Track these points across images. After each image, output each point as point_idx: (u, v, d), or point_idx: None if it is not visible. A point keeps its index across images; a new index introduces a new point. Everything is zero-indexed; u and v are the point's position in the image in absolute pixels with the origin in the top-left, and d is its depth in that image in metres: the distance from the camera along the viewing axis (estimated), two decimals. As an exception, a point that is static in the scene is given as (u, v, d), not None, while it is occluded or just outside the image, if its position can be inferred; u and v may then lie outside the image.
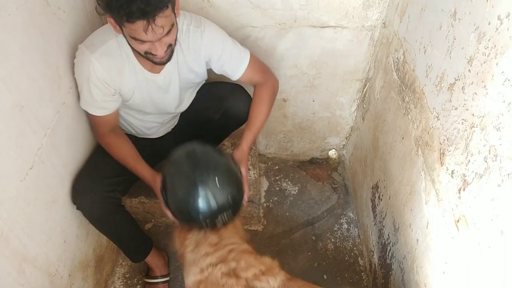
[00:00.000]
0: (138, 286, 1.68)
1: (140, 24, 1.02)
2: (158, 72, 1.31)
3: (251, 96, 1.47)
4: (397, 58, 1.40)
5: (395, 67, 1.42)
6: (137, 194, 1.73)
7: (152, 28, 1.04)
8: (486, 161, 0.84)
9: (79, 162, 1.37)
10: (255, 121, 1.42)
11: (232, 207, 1.22)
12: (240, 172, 1.32)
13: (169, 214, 1.28)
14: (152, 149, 1.54)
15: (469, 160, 0.90)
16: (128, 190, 1.50)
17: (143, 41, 1.09)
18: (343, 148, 2.19)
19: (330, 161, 2.22)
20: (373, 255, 1.64)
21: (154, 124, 1.54)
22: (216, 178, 1.18)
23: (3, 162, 0.96)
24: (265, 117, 1.43)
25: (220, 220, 1.20)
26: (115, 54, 1.22)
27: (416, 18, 1.25)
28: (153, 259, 1.62)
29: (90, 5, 1.42)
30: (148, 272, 1.67)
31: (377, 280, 1.58)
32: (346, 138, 2.12)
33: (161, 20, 1.04)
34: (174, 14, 1.12)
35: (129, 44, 1.16)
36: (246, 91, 1.53)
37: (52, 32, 1.17)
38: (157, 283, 1.64)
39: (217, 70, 1.40)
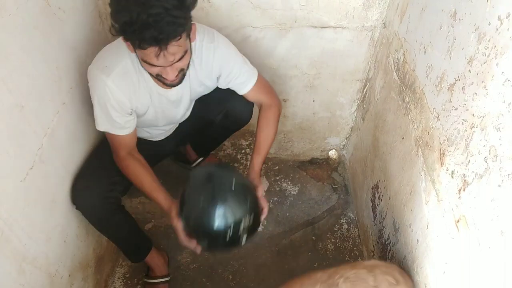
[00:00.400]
0: (138, 286, 1.68)
1: (152, 50, 1.01)
2: (170, 88, 1.32)
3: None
4: (397, 58, 1.40)
5: (395, 67, 1.42)
6: (137, 194, 1.74)
7: (163, 54, 1.03)
8: (486, 162, 0.84)
9: (79, 162, 1.37)
10: (264, 145, 1.44)
11: (252, 212, 1.23)
12: (256, 191, 1.35)
13: (191, 243, 1.28)
14: (152, 150, 1.55)
15: (469, 161, 0.90)
16: (128, 190, 1.50)
17: (154, 65, 1.08)
18: (343, 148, 2.19)
19: (330, 162, 2.22)
20: (373, 256, 1.64)
21: (160, 131, 1.55)
22: (233, 184, 1.20)
23: (3, 162, 0.96)
24: (272, 140, 1.46)
25: (243, 227, 1.21)
26: (130, 73, 1.21)
27: (416, 19, 1.25)
28: (153, 259, 1.62)
29: (91, 5, 1.42)
30: (148, 272, 1.67)
31: (377, 281, 1.58)
32: (346, 138, 2.12)
33: (174, 48, 1.03)
34: (189, 39, 1.11)
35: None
36: None
37: (53, 32, 1.17)
38: (157, 283, 1.64)
39: (223, 86, 1.41)
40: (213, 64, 1.31)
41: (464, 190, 0.92)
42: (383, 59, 1.58)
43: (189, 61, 1.18)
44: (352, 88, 1.85)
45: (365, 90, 1.83)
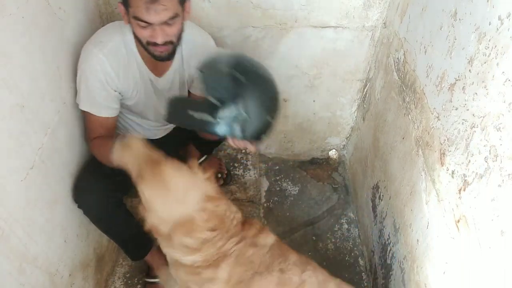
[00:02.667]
0: (139, 286, 1.68)
1: (143, 0, 1.05)
2: (160, 76, 1.33)
3: None
4: (398, 58, 1.40)
5: (396, 67, 1.42)
6: (138, 194, 1.73)
7: (156, 7, 1.05)
8: (486, 161, 0.84)
9: (80, 161, 1.37)
10: None
11: None
12: None
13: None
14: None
15: (469, 160, 0.90)
16: (130, 189, 1.50)
17: (145, 24, 1.10)
18: (343, 148, 2.19)
19: (330, 161, 2.22)
20: (373, 255, 1.64)
21: (155, 128, 1.55)
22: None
23: (4, 162, 0.96)
24: None
25: None
26: (122, 52, 1.23)
27: (416, 18, 1.25)
28: (153, 259, 1.62)
29: (91, 5, 1.42)
30: (148, 271, 1.67)
31: (377, 281, 1.58)
32: (346, 138, 2.12)
33: (166, 0, 1.07)
34: (182, 7, 1.14)
35: (134, 36, 1.17)
36: None
37: (53, 32, 1.17)
38: (158, 282, 1.64)
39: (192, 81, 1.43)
40: (202, 54, 1.32)
41: (464, 190, 0.92)
42: (383, 59, 1.58)
43: (178, 34, 1.19)
44: (353, 88, 1.85)
45: (365, 90, 1.83)
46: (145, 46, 1.18)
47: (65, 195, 1.29)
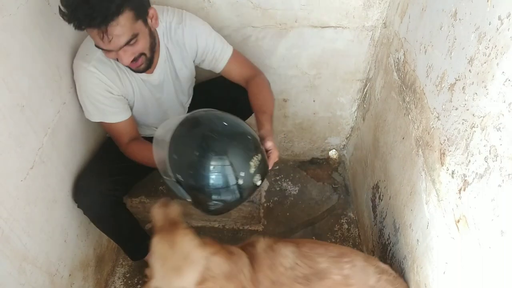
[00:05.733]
0: (139, 286, 1.68)
1: (94, 32, 1.00)
2: (152, 72, 1.32)
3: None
4: (398, 58, 1.40)
5: (396, 67, 1.42)
6: (138, 194, 1.74)
7: (106, 37, 1.00)
8: (486, 161, 0.84)
9: (80, 161, 1.38)
10: (266, 104, 1.28)
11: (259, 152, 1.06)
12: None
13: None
14: None
15: (469, 160, 0.90)
16: (130, 189, 1.50)
17: (106, 50, 1.07)
18: (343, 148, 2.19)
19: (330, 161, 2.22)
20: (373, 256, 1.64)
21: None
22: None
23: (4, 162, 0.97)
24: (272, 101, 1.33)
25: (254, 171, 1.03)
26: (109, 60, 1.22)
27: (416, 18, 1.25)
28: (153, 259, 1.63)
29: (91, 5, 1.42)
30: (148, 272, 1.67)
31: (377, 280, 1.58)
32: (346, 138, 2.12)
33: (115, 29, 1.00)
34: (145, 22, 1.08)
35: None
36: None
37: (53, 32, 1.17)
38: (158, 282, 1.64)
39: (200, 63, 1.40)
40: (184, 43, 1.31)
41: (464, 190, 0.92)
42: (383, 59, 1.58)
43: (149, 46, 1.14)
44: (353, 88, 1.85)
45: (365, 90, 1.83)
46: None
47: (65, 195, 1.29)
